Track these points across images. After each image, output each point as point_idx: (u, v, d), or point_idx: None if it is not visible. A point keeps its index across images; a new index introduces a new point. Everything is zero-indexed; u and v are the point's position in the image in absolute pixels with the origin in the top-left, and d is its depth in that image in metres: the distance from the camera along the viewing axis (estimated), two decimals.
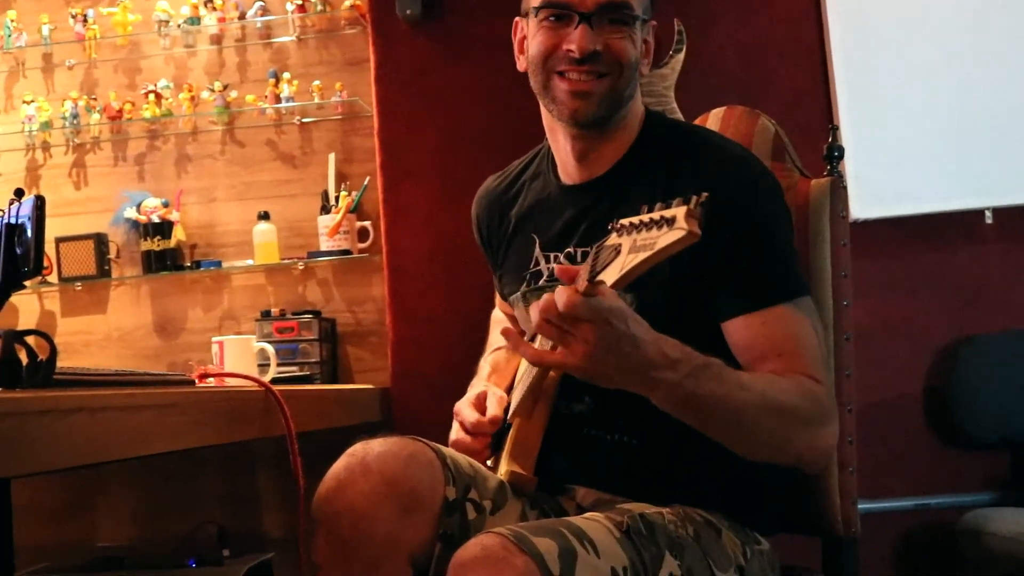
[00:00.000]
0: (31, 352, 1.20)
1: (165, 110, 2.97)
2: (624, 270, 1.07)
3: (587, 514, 1.33)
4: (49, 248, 2.84)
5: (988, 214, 2.52)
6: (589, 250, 1.43)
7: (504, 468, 1.46)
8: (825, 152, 1.66)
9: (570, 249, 1.51)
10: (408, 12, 2.63)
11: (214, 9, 2.96)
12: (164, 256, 2.94)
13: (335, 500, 1.33)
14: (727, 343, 1.40)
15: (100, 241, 2.96)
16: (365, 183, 2.86)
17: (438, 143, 2.66)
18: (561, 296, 1.16)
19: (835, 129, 1.71)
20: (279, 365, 2.30)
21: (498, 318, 1.83)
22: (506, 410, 1.52)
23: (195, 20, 2.96)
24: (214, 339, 2.04)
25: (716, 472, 1.41)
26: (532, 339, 1.36)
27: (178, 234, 2.95)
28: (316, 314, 2.83)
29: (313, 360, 2.75)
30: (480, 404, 1.55)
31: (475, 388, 1.61)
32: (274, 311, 2.84)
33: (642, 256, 1.05)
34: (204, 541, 2.61)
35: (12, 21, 3.01)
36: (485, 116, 2.62)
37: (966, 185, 2.51)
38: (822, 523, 1.56)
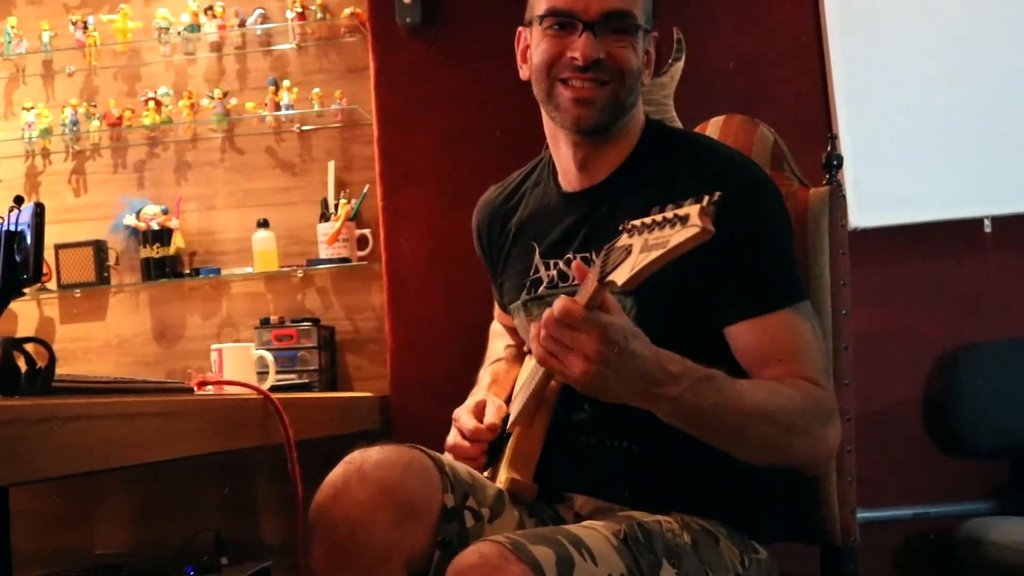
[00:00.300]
0: (30, 359, 1.20)
1: (165, 117, 2.97)
2: (635, 269, 1.07)
3: (585, 522, 1.33)
4: (48, 255, 2.84)
5: (987, 222, 2.53)
6: (589, 255, 1.43)
7: (504, 475, 1.46)
8: (824, 161, 1.66)
9: (569, 255, 1.51)
10: (408, 20, 2.64)
11: (214, 16, 2.96)
12: (163, 263, 2.93)
13: (332, 508, 1.33)
14: (728, 346, 1.40)
15: (99, 248, 2.96)
16: (364, 191, 2.86)
17: (437, 151, 2.66)
18: (559, 304, 1.17)
19: (834, 138, 1.71)
20: (278, 373, 2.30)
21: (497, 330, 1.83)
22: (504, 420, 1.53)
23: (195, 27, 2.97)
24: (213, 347, 2.03)
25: (714, 480, 1.41)
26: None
27: (177, 241, 2.95)
28: (315, 322, 2.83)
29: (312, 368, 2.74)
30: (479, 412, 1.55)
31: (475, 397, 1.61)
32: (273, 319, 2.84)
33: (655, 255, 1.05)
34: (202, 549, 2.61)
35: (12, 28, 3.01)
36: (484, 124, 2.62)
37: (965, 193, 2.52)
38: (821, 531, 1.56)
